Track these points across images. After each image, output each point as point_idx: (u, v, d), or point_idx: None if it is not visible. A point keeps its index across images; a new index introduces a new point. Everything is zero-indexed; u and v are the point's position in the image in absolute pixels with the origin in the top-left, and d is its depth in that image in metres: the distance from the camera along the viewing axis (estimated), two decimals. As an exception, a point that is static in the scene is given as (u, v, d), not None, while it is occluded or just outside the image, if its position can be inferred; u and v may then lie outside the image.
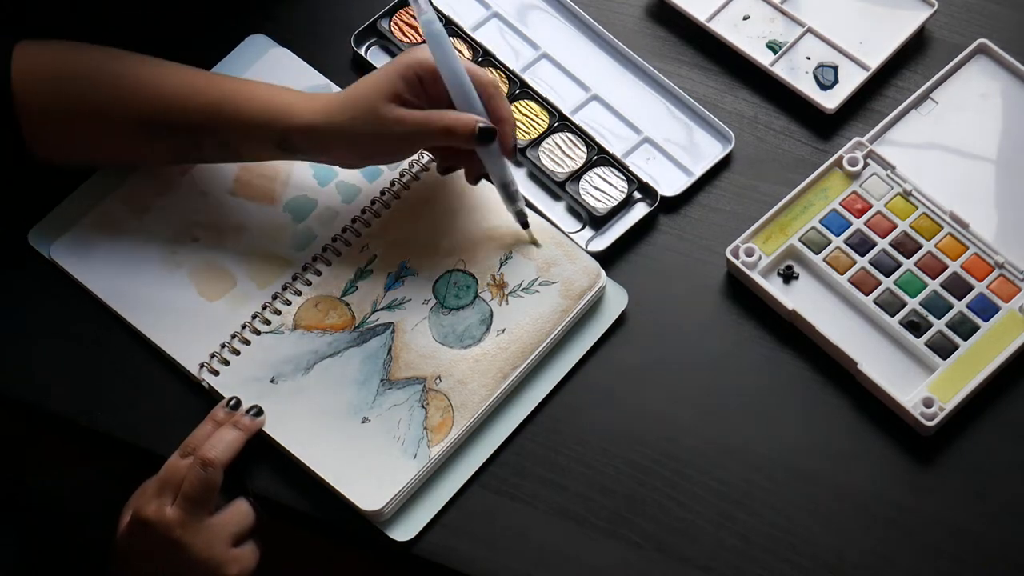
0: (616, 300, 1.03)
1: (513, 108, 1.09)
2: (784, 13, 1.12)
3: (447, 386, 0.99)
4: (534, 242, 1.03)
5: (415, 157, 1.07)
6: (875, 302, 1.02)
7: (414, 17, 1.13)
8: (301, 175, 1.07)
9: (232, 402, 0.98)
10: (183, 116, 0.98)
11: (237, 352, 1.00)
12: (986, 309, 1.02)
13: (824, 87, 1.10)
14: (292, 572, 1.52)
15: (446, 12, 1.13)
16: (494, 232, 1.04)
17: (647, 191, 1.07)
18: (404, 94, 0.97)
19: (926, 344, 1.01)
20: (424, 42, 0.98)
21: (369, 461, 0.97)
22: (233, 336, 1.01)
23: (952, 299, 1.02)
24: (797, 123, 1.10)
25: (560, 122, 1.09)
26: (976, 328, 1.01)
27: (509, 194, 1.01)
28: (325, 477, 0.96)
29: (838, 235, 1.04)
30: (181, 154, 1.02)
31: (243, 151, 1.01)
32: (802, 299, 1.03)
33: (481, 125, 0.97)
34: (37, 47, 0.99)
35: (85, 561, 1.17)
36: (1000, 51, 1.10)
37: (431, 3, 0.99)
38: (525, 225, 1.02)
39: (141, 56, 1.01)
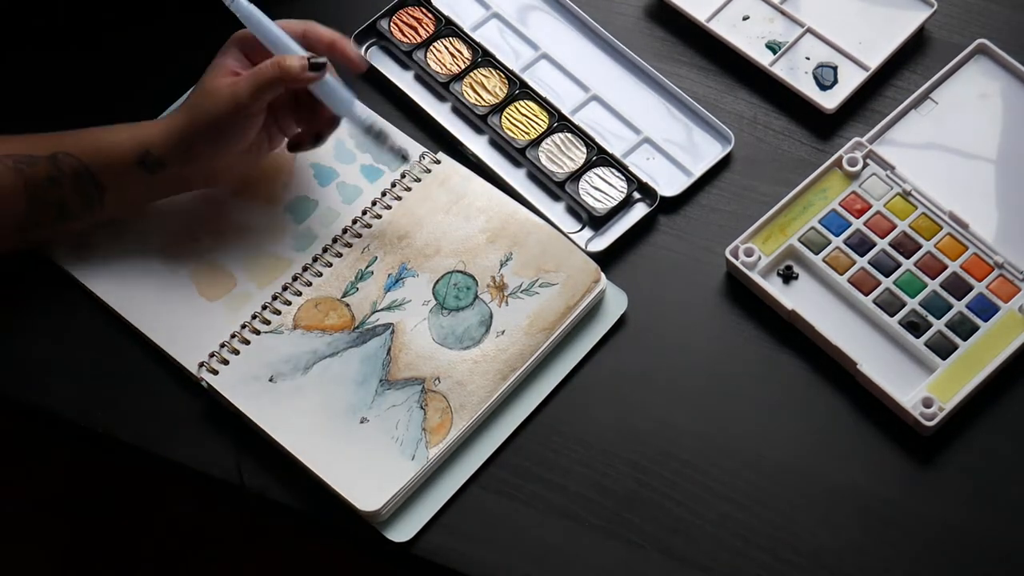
0: (616, 301, 1.03)
1: (513, 108, 1.09)
2: (784, 13, 1.13)
3: (446, 387, 0.99)
4: (403, 156, 1.03)
5: (415, 158, 1.07)
6: (875, 302, 1.02)
7: (414, 17, 1.13)
8: (302, 175, 1.07)
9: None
10: (37, 155, 0.97)
11: (237, 352, 1.00)
12: (986, 309, 1.02)
13: (824, 87, 1.10)
14: (291, 572, 1.52)
15: (446, 12, 1.13)
16: (494, 233, 1.04)
17: (647, 191, 1.07)
18: (235, 67, 0.99)
19: (926, 344, 1.01)
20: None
21: (367, 461, 0.97)
22: (233, 336, 1.01)
23: (952, 299, 1.02)
24: (797, 123, 1.10)
25: (560, 122, 1.09)
26: (976, 328, 1.01)
27: (376, 135, 1.02)
28: (323, 477, 0.96)
29: (838, 235, 1.04)
30: (40, 208, 0.98)
31: (105, 179, 0.99)
32: (802, 299, 1.03)
33: (311, 58, 0.98)
34: None
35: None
36: (1000, 51, 1.10)
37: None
38: (405, 158, 1.03)
39: None
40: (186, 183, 1.02)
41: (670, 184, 1.08)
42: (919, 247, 1.04)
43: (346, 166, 1.07)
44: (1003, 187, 1.07)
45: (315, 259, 1.04)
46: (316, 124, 1.02)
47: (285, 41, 0.99)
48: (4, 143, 0.98)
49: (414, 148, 1.08)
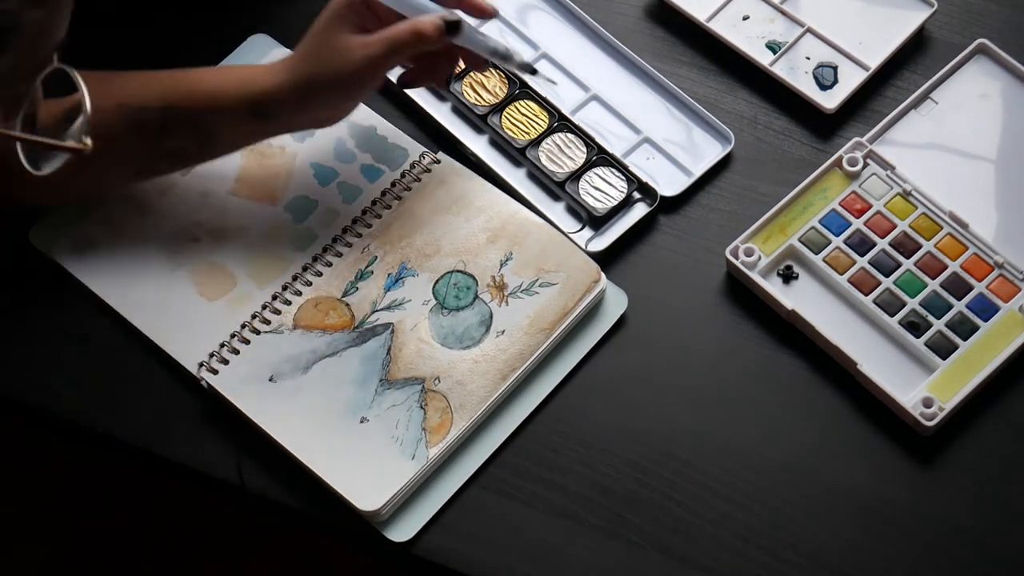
0: (616, 301, 1.03)
1: (513, 108, 1.10)
2: (784, 13, 1.12)
3: (446, 387, 0.99)
4: (550, 81, 1.03)
5: (415, 158, 1.07)
6: (875, 302, 1.02)
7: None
8: (302, 175, 1.07)
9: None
10: (150, 107, 0.96)
11: (236, 351, 1.00)
12: (986, 309, 1.02)
13: (824, 87, 1.10)
14: (291, 572, 1.52)
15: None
16: (494, 233, 1.04)
17: (647, 191, 1.07)
18: (355, 23, 0.96)
19: (926, 344, 1.01)
20: None
21: (367, 461, 0.97)
22: (233, 336, 1.01)
23: (952, 299, 1.02)
24: (797, 123, 1.10)
25: (560, 122, 1.09)
26: (976, 328, 1.01)
27: (503, 58, 1.00)
28: (323, 476, 0.96)
29: (838, 235, 1.04)
30: (149, 152, 0.98)
31: (218, 128, 0.98)
32: (802, 299, 1.03)
33: (447, 18, 0.96)
34: None
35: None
36: (1000, 51, 1.10)
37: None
38: (533, 72, 1.01)
39: (90, 72, 0.97)
40: (296, 127, 1.01)
41: (670, 184, 1.08)
42: (919, 247, 1.04)
43: (346, 166, 1.07)
44: (1003, 187, 1.07)
45: (315, 259, 1.04)
46: (435, 68, 1.00)
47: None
48: (116, 85, 0.97)
49: (414, 148, 1.08)
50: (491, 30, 1.13)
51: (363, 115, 1.09)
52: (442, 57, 1.01)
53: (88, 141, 0.81)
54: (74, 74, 0.80)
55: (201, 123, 0.97)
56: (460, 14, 0.98)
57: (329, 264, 1.04)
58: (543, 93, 1.10)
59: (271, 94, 0.97)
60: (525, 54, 1.12)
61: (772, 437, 0.99)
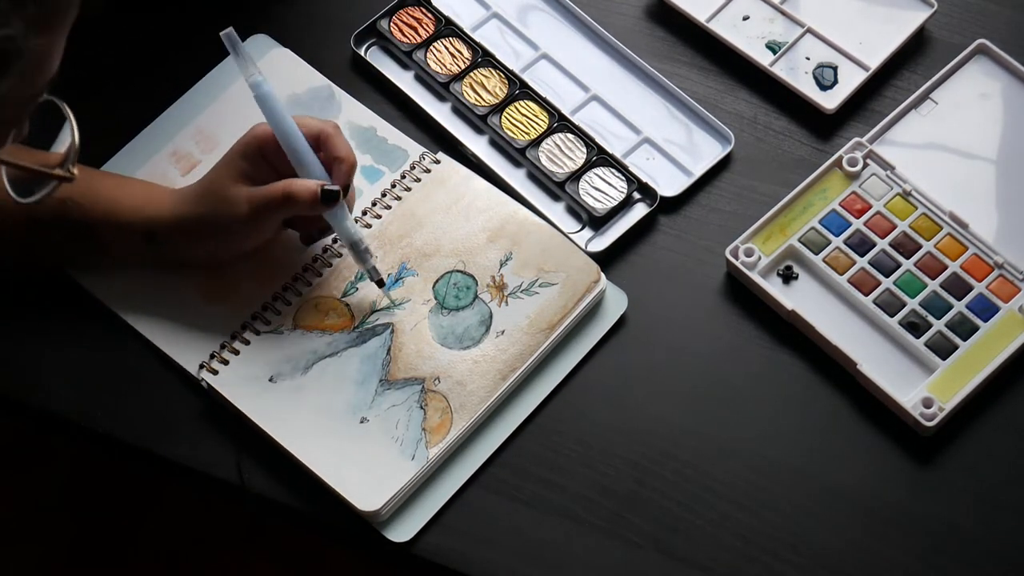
0: (616, 301, 1.03)
1: (513, 108, 1.09)
2: (784, 13, 1.13)
3: (446, 387, 0.99)
4: (391, 302, 1.02)
5: (415, 158, 1.07)
6: (875, 302, 1.02)
7: (414, 18, 1.13)
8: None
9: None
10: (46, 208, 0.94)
11: (237, 352, 1.00)
12: (986, 309, 1.02)
13: (824, 87, 1.10)
14: (291, 572, 1.52)
15: (446, 12, 1.13)
16: (494, 233, 1.04)
17: (647, 191, 1.07)
18: (249, 172, 0.97)
19: (926, 344, 1.01)
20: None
21: (367, 461, 0.97)
22: (233, 336, 1.01)
23: (952, 299, 1.02)
24: (797, 123, 1.10)
25: (560, 122, 1.09)
26: (976, 328, 1.01)
27: (359, 253, 1.00)
28: (323, 477, 0.96)
29: (838, 235, 1.04)
30: (40, 244, 0.99)
31: (109, 240, 0.99)
32: (802, 299, 1.03)
33: (325, 187, 0.97)
34: None
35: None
36: (1000, 51, 1.10)
37: (256, 67, 0.98)
38: (381, 284, 1.01)
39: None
40: (192, 259, 1.01)
41: (670, 184, 1.08)
42: (919, 247, 1.04)
43: (346, 166, 1.07)
44: (1003, 187, 1.07)
45: (315, 259, 1.04)
46: (315, 222, 1.01)
47: (296, 145, 0.97)
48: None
49: (414, 148, 1.08)
50: (491, 30, 1.14)
51: (363, 116, 1.09)
52: (309, 220, 1.01)
53: (74, 171, 0.83)
54: (63, 106, 0.82)
55: (93, 230, 0.98)
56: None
57: (329, 264, 1.04)
58: (543, 93, 1.10)
59: (162, 223, 0.98)
60: (523, 57, 1.12)
61: (772, 437, 0.99)
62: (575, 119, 1.10)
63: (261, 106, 0.98)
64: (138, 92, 1.10)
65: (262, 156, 0.98)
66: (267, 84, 0.98)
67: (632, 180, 1.07)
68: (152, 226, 0.98)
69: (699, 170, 1.08)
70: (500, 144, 1.09)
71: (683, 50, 1.13)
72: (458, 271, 1.03)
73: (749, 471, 0.98)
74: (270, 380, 0.99)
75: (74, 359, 1.02)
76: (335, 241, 1.04)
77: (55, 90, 0.81)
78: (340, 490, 0.96)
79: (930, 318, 1.02)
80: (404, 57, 1.12)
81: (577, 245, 1.04)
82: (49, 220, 0.98)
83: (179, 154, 1.07)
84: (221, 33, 0.98)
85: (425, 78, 1.12)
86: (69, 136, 0.83)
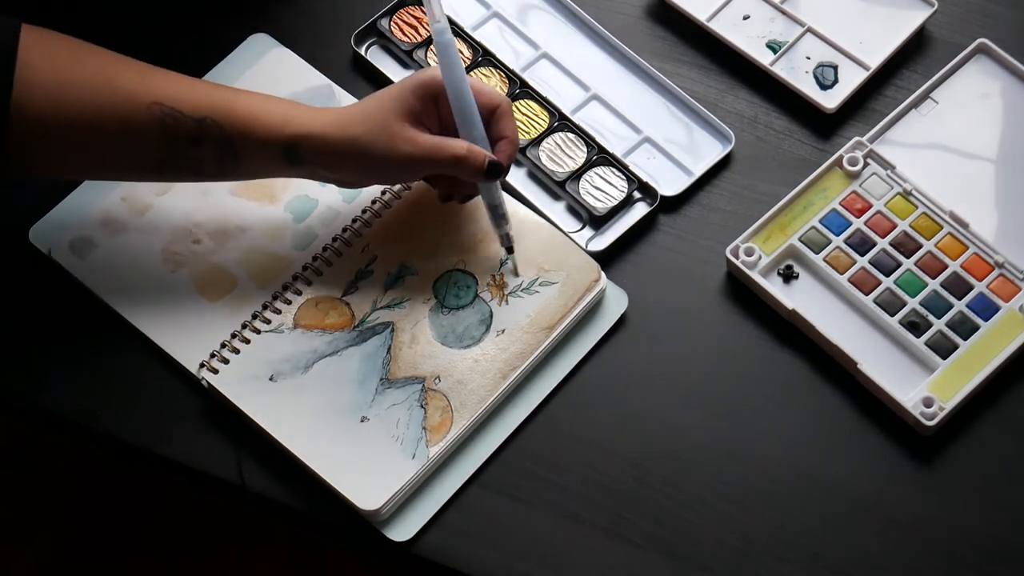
0: (616, 300, 1.03)
1: (513, 107, 1.09)
2: (784, 13, 1.13)
3: (446, 386, 0.99)
4: (515, 272, 1.02)
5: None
6: (875, 302, 1.02)
7: (415, 17, 1.13)
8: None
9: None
10: (185, 114, 0.94)
11: (237, 351, 1.00)
12: (986, 309, 1.02)
13: (824, 87, 1.10)
14: (291, 572, 1.52)
15: (446, 12, 1.13)
16: (494, 233, 1.04)
17: (647, 191, 1.07)
18: (418, 113, 0.96)
19: (926, 344, 1.01)
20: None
21: (367, 460, 0.97)
22: (233, 335, 1.01)
23: (952, 299, 1.02)
24: (797, 123, 1.10)
25: (560, 122, 1.09)
26: (976, 328, 1.01)
27: (496, 216, 1.00)
28: (323, 475, 0.96)
29: (838, 235, 1.04)
30: (171, 156, 0.96)
31: (246, 158, 0.96)
32: (802, 299, 1.03)
33: (491, 160, 0.96)
34: (41, 39, 0.94)
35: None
36: (1000, 51, 1.10)
37: (444, 12, 0.97)
38: (511, 250, 1.01)
39: (139, 62, 0.97)
40: (318, 179, 1.00)
41: (670, 184, 1.08)
42: (919, 247, 1.04)
43: (346, 165, 1.07)
44: (1003, 187, 1.07)
45: (315, 258, 1.04)
46: (462, 185, 1.00)
47: (466, 104, 0.96)
48: (157, 82, 0.96)
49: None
50: (491, 29, 1.14)
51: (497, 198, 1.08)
52: (465, 184, 1.00)
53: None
54: None
55: (230, 145, 0.96)
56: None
57: (329, 263, 1.04)
58: (543, 93, 1.10)
59: (309, 141, 0.95)
60: (523, 57, 1.12)
61: (772, 437, 0.99)
62: (575, 118, 1.10)
63: (440, 52, 0.96)
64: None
65: (434, 101, 0.96)
66: (451, 35, 0.96)
67: (632, 179, 1.07)
68: (295, 144, 0.95)
69: (699, 169, 1.08)
70: (500, 144, 1.09)
71: (683, 50, 1.13)
72: (458, 270, 1.03)
73: (749, 471, 0.98)
74: (270, 379, 0.99)
75: (74, 359, 1.02)
76: (335, 240, 1.04)
77: None
78: (340, 489, 0.96)
79: (930, 317, 1.02)
80: (404, 56, 1.12)
81: (577, 244, 1.04)
82: (187, 135, 0.95)
83: (179, 153, 1.07)
84: None
85: (425, 78, 1.12)
86: None
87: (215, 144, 0.95)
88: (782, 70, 1.10)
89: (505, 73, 1.11)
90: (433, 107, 0.97)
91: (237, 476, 0.98)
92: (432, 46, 0.97)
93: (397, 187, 1.06)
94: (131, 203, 1.06)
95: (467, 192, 1.01)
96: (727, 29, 1.12)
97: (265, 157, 0.96)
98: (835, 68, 1.11)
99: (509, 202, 1.05)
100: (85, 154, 0.96)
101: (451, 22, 1.12)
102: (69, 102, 0.93)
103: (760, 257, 1.04)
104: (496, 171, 0.97)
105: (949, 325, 1.01)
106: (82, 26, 1.10)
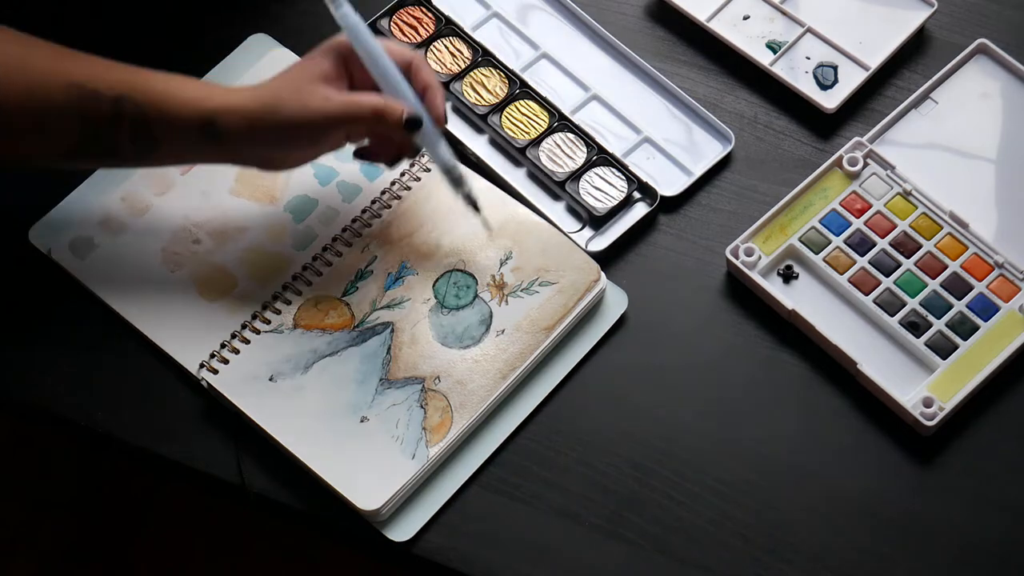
0: (616, 300, 1.03)
1: (513, 107, 1.09)
2: (784, 13, 1.13)
3: (446, 386, 0.99)
4: (487, 226, 1.01)
5: (415, 158, 1.07)
6: (875, 302, 1.02)
7: (414, 17, 1.13)
8: (302, 175, 1.07)
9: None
10: (102, 93, 0.92)
11: (237, 351, 1.00)
12: (986, 309, 1.02)
13: (824, 87, 1.10)
14: (290, 571, 1.52)
15: (446, 12, 1.13)
16: (494, 232, 1.04)
17: (647, 191, 1.07)
18: (330, 75, 0.95)
19: (926, 344, 1.01)
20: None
21: (367, 460, 0.97)
22: (233, 335, 1.01)
23: (952, 299, 1.02)
24: (797, 123, 1.10)
25: (560, 122, 1.09)
26: (976, 328, 1.01)
27: (453, 179, 0.99)
28: (323, 476, 0.96)
29: (838, 235, 1.04)
30: (88, 138, 0.94)
31: (164, 139, 0.94)
32: (802, 299, 1.03)
33: (408, 113, 0.95)
34: None
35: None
36: (1000, 51, 1.10)
37: None
38: (477, 209, 1.00)
39: (54, 45, 0.95)
40: (241, 160, 0.99)
41: (670, 184, 1.08)
42: (919, 247, 1.04)
43: (346, 165, 1.07)
44: (1003, 187, 1.07)
45: (315, 258, 1.04)
46: (392, 147, 0.99)
47: (390, 72, 0.96)
48: (71, 63, 0.94)
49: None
50: (491, 30, 1.14)
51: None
52: (395, 142, 0.99)
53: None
54: None
55: (147, 124, 0.94)
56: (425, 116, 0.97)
57: (329, 263, 1.04)
58: (543, 93, 1.10)
59: (224, 113, 0.94)
60: (523, 57, 1.12)
61: (772, 437, 0.99)
62: (575, 119, 1.10)
63: (352, 37, 0.96)
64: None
65: (344, 63, 0.96)
66: (355, 15, 0.96)
67: (632, 180, 1.07)
68: (211, 119, 0.94)
69: (699, 170, 1.08)
70: (500, 143, 1.09)
71: (683, 50, 1.13)
72: (458, 270, 1.03)
73: (749, 471, 0.98)
74: (270, 379, 0.99)
75: (74, 359, 1.02)
76: (335, 240, 1.04)
77: None
78: (340, 489, 0.96)
79: (930, 318, 1.02)
80: (404, 57, 1.12)
81: (577, 244, 1.04)
82: (104, 116, 0.93)
83: (179, 154, 1.07)
84: None
85: (425, 78, 1.12)
86: None
87: (132, 124, 0.94)
88: (782, 70, 1.10)
89: (505, 73, 1.11)
90: (344, 69, 0.96)
91: (237, 476, 0.98)
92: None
93: (397, 187, 1.06)
94: (131, 203, 1.06)
95: (391, 153, 1.00)
96: (727, 29, 1.12)
97: (184, 137, 0.95)
98: (835, 68, 1.11)
99: (509, 201, 1.05)
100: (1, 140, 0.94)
101: (451, 22, 1.12)
102: None
103: (760, 257, 1.04)
104: (415, 123, 0.95)
105: (949, 325, 1.01)
106: (82, 26, 1.11)
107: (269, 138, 0.96)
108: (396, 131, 0.96)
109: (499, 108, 1.10)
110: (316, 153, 0.98)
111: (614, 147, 1.09)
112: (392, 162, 1.01)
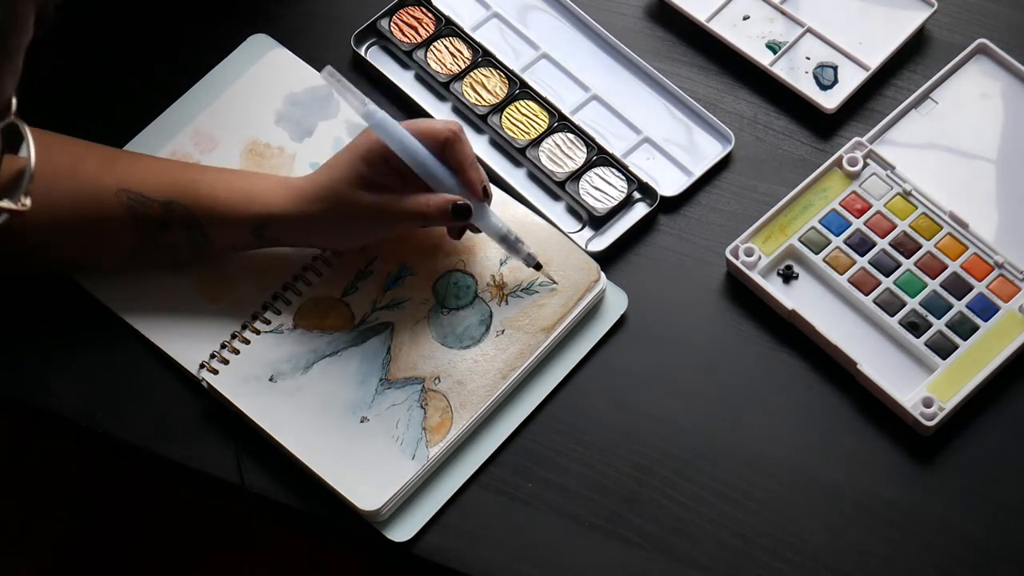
0: (616, 300, 1.03)
1: (513, 108, 1.09)
2: (784, 13, 1.13)
3: (446, 386, 0.99)
4: (552, 280, 1.02)
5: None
6: (875, 302, 1.02)
7: (414, 17, 1.13)
8: (302, 175, 1.07)
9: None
10: (151, 198, 0.96)
11: (237, 352, 1.00)
12: (986, 309, 1.02)
13: (824, 87, 1.10)
14: (291, 572, 1.52)
15: (446, 12, 1.13)
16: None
17: (647, 191, 1.07)
18: (370, 177, 0.96)
19: (926, 344, 1.01)
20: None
21: (367, 461, 0.97)
22: (233, 336, 1.01)
23: (952, 299, 1.02)
24: (797, 123, 1.10)
25: (560, 122, 1.09)
26: (976, 328, 1.01)
27: (510, 244, 1.00)
28: (323, 476, 0.96)
29: (838, 235, 1.04)
30: (144, 242, 0.98)
31: (216, 238, 0.99)
32: (802, 299, 1.03)
33: (456, 204, 0.96)
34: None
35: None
36: (1000, 51, 1.10)
37: (362, 95, 0.97)
38: (538, 267, 1.01)
39: (102, 147, 0.99)
40: (295, 246, 1.02)
41: (670, 184, 1.08)
42: (919, 247, 1.04)
43: (346, 166, 1.07)
44: (1003, 187, 1.07)
45: (315, 259, 1.04)
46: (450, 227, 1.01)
47: (427, 165, 0.96)
48: (120, 166, 0.97)
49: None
50: (491, 30, 1.14)
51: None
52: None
53: (27, 201, 0.75)
54: (24, 129, 0.75)
55: (200, 228, 0.98)
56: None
57: (329, 264, 1.03)
58: (543, 93, 1.10)
59: (274, 219, 0.97)
60: (523, 57, 1.12)
61: (772, 437, 0.99)
62: (575, 119, 1.10)
63: (379, 132, 0.96)
64: (136, 93, 1.10)
65: (385, 162, 0.97)
66: (380, 111, 0.96)
67: (632, 180, 1.07)
68: (261, 221, 0.97)
69: (699, 170, 1.08)
70: (500, 144, 1.09)
71: (683, 50, 1.13)
72: (458, 270, 1.03)
73: (749, 471, 0.98)
74: (270, 380, 0.99)
75: (74, 359, 1.02)
76: (335, 241, 1.04)
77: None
78: (340, 490, 0.96)
79: (930, 318, 1.02)
80: (404, 57, 1.12)
81: (577, 245, 1.04)
82: (156, 221, 0.97)
83: (178, 155, 1.07)
84: (322, 73, 0.97)
85: (425, 78, 1.12)
86: (25, 162, 0.74)
87: (184, 227, 0.98)
88: (782, 70, 1.10)
89: (505, 73, 1.11)
90: (384, 167, 0.97)
91: (237, 476, 0.98)
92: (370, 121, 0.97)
93: (397, 187, 1.06)
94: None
95: (455, 229, 1.01)
96: (727, 29, 1.12)
97: (235, 238, 0.99)
98: (835, 68, 1.11)
99: (509, 202, 1.05)
100: (61, 248, 0.98)
101: (451, 22, 1.12)
102: (37, 197, 0.90)
103: (760, 257, 1.04)
104: (462, 212, 0.97)
105: (949, 325, 1.01)
106: (82, 28, 1.11)
107: (318, 241, 1.01)
108: (446, 223, 0.98)
109: (499, 108, 1.10)
110: (379, 240, 1.02)
111: (614, 147, 1.09)
112: (458, 236, 1.02)
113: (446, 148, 0.97)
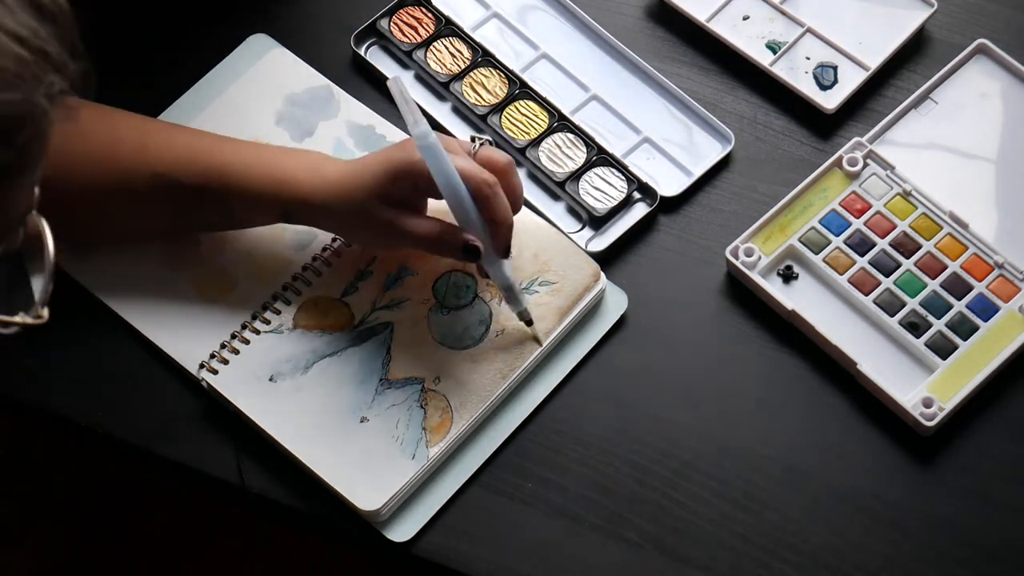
0: (616, 301, 1.03)
1: (513, 108, 1.09)
2: (784, 13, 1.13)
3: (446, 386, 0.99)
4: (537, 340, 1.01)
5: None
6: (875, 302, 1.02)
7: (414, 17, 1.13)
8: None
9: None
10: (183, 183, 0.97)
11: (237, 352, 1.00)
12: (986, 309, 1.02)
13: (824, 87, 1.10)
14: (291, 572, 1.52)
15: (446, 12, 1.13)
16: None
17: (647, 191, 1.07)
18: (392, 193, 0.96)
19: (926, 344, 1.01)
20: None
21: (367, 461, 0.97)
22: (233, 336, 1.01)
23: (952, 299, 1.02)
24: (797, 123, 1.10)
25: (560, 122, 1.09)
26: (976, 328, 1.01)
27: (510, 297, 0.99)
28: (323, 476, 0.96)
29: (838, 235, 1.04)
30: (180, 219, 1.01)
31: (246, 216, 1.00)
32: (802, 299, 1.03)
33: (468, 243, 0.96)
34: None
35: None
36: (1000, 51, 1.10)
37: (421, 115, 0.95)
38: (529, 323, 1.00)
39: (137, 124, 1.01)
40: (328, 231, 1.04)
41: (670, 184, 1.08)
42: (919, 247, 1.04)
43: (346, 166, 1.07)
44: (1003, 187, 1.07)
45: (315, 258, 1.04)
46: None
47: (461, 199, 0.95)
48: (152, 152, 0.99)
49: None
50: (491, 30, 1.14)
51: (362, 114, 1.09)
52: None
53: (44, 313, 0.72)
54: (46, 235, 0.71)
55: (230, 208, 0.99)
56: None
57: (329, 264, 1.04)
58: (543, 93, 1.10)
59: (302, 207, 0.98)
60: (523, 57, 1.12)
61: (772, 437, 0.99)
62: (575, 119, 1.10)
63: (427, 155, 0.94)
64: (136, 93, 1.10)
65: (411, 185, 0.96)
66: (433, 135, 0.94)
67: (632, 180, 1.07)
68: (290, 210, 0.99)
69: (699, 170, 1.08)
70: (500, 144, 1.09)
71: (683, 50, 1.13)
72: (457, 270, 1.03)
73: (749, 471, 0.98)
74: (270, 380, 0.99)
75: (74, 359, 1.02)
76: (334, 240, 1.04)
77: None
78: (340, 490, 0.96)
79: (930, 318, 1.02)
80: (404, 57, 1.12)
81: (577, 245, 1.04)
82: (189, 202, 0.99)
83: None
84: (388, 81, 0.96)
85: (425, 78, 1.12)
86: (43, 271, 0.71)
87: (217, 206, 0.99)
88: (782, 70, 1.10)
89: (505, 73, 1.11)
90: (409, 190, 0.97)
91: (237, 476, 0.98)
92: (407, 115, 0.96)
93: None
94: (131, 203, 1.06)
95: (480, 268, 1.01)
96: (727, 29, 1.12)
97: (266, 220, 1.01)
98: (835, 68, 1.11)
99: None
100: (108, 226, 1.02)
101: (451, 22, 1.12)
102: (73, 179, 0.96)
103: (760, 257, 1.04)
104: (472, 253, 0.96)
105: (949, 325, 1.01)
106: (82, 28, 1.10)
107: (342, 233, 1.02)
108: (454, 257, 0.98)
109: (499, 108, 1.10)
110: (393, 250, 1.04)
111: (614, 147, 1.09)
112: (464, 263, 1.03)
113: (482, 200, 0.95)
